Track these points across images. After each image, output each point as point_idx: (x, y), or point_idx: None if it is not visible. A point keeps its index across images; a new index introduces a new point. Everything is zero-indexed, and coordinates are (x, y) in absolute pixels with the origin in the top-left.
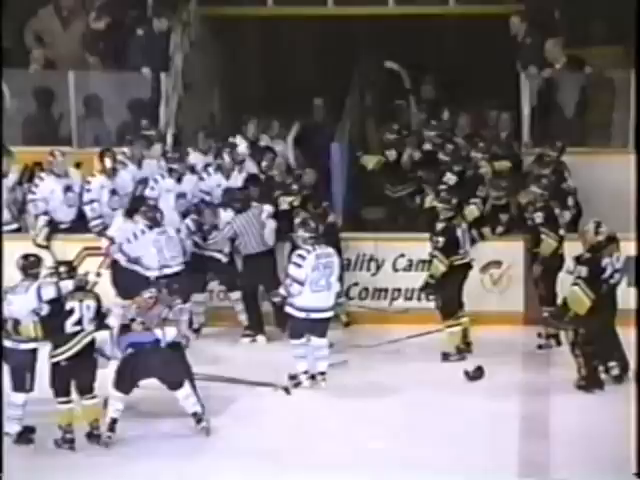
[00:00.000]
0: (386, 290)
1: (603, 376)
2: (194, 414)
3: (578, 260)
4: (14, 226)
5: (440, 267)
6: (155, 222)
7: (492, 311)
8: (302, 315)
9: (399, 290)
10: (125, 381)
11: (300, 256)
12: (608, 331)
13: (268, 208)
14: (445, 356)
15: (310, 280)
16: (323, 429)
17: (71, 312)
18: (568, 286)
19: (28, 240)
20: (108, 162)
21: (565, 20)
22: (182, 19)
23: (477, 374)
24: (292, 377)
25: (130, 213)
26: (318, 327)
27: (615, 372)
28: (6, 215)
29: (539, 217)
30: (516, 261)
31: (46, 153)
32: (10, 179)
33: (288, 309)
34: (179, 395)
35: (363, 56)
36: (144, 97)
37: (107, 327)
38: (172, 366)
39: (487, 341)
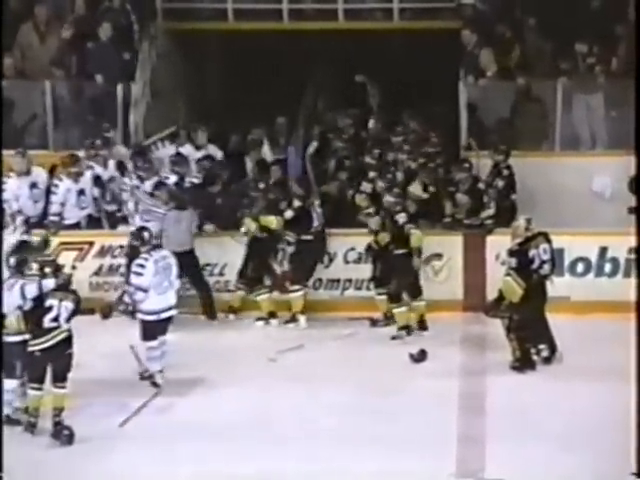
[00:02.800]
0: (338, 281)
1: (535, 358)
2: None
3: (510, 253)
4: None
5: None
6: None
7: (434, 299)
8: (153, 317)
9: (350, 281)
10: None
11: (140, 265)
12: (539, 317)
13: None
14: (373, 322)
15: (154, 285)
16: (277, 408)
17: (50, 309)
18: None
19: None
20: (73, 166)
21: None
22: (149, 33)
23: (421, 357)
24: (147, 377)
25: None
26: (166, 325)
27: (545, 354)
28: None
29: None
30: (455, 253)
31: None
32: None
33: (139, 315)
34: None
35: (316, 67)
36: (108, 104)
37: None
38: None
39: (430, 327)
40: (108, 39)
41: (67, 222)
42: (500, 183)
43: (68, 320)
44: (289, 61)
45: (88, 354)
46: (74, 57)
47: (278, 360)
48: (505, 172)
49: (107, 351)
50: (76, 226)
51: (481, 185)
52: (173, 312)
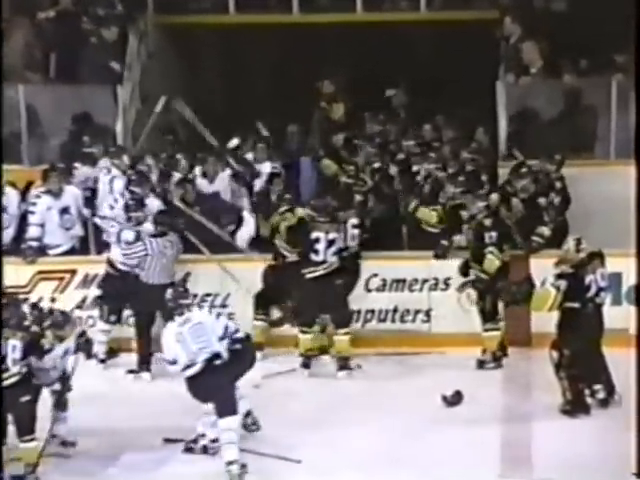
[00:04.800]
0: (358, 312)
1: (589, 400)
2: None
3: (559, 276)
4: None
5: (496, 262)
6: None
7: (470, 332)
8: None
9: (372, 312)
10: None
11: None
12: (594, 352)
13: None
14: (480, 363)
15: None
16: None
17: None
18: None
19: None
20: (54, 181)
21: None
22: (139, 28)
23: (455, 399)
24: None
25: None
26: None
27: (601, 395)
28: None
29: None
30: None
31: None
32: None
33: None
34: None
35: (330, 66)
36: (92, 111)
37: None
38: None
39: (465, 364)
40: (92, 36)
41: (56, 250)
42: (556, 199)
43: (19, 362)
44: (299, 60)
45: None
46: (53, 58)
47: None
48: (558, 185)
49: (91, 396)
50: (69, 253)
51: (542, 200)
52: None
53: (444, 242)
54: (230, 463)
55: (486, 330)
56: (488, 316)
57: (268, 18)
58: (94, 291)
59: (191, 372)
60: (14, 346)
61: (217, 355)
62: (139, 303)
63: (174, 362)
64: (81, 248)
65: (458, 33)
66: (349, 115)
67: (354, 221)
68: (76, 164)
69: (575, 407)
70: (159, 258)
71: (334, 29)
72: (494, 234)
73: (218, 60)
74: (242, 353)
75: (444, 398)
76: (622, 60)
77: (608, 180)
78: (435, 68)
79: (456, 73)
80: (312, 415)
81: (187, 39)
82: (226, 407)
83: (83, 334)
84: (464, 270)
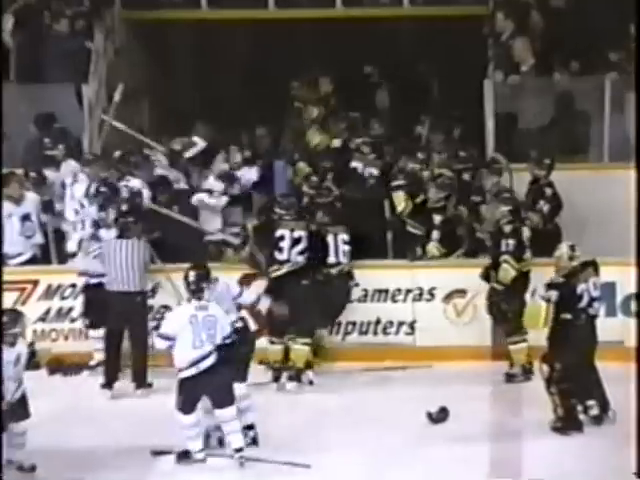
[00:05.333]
0: (339, 324)
1: (581, 416)
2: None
3: (549, 285)
4: None
5: (511, 272)
6: None
7: (456, 345)
8: None
9: (353, 324)
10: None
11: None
12: (587, 366)
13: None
14: (509, 377)
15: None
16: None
17: None
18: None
19: None
20: (15, 187)
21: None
22: (105, 24)
23: (441, 416)
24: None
25: None
26: None
27: (594, 412)
28: None
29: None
30: (482, 289)
31: None
32: None
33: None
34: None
35: (307, 64)
36: (55, 111)
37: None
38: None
39: (451, 379)
40: (55, 31)
41: (16, 259)
42: (545, 207)
43: None
44: (275, 57)
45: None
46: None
47: None
48: (548, 191)
49: (55, 414)
50: (30, 262)
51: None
52: None
53: (418, 248)
54: (239, 450)
55: (512, 343)
56: (511, 328)
57: (242, 14)
58: (58, 303)
59: (205, 365)
60: None
61: (219, 347)
62: (104, 312)
63: (169, 339)
64: (42, 257)
65: (443, 29)
66: (327, 116)
67: (344, 237)
68: (44, 171)
69: (567, 424)
70: (120, 263)
71: (312, 25)
72: (511, 242)
73: (189, 57)
74: (241, 343)
75: (429, 415)
76: (616, 58)
77: (603, 185)
78: (418, 66)
79: (441, 72)
80: (288, 433)
81: (156, 35)
82: (226, 397)
83: (32, 344)
84: (485, 275)
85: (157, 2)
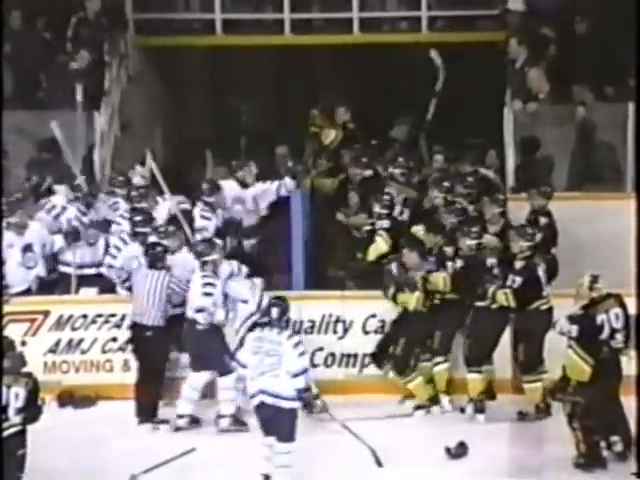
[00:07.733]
0: (355, 356)
1: (605, 453)
2: None
3: (571, 318)
4: None
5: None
6: None
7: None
8: None
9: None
10: None
11: None
12: (611, 401)
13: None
14: (522, 415)
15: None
16: None
17: None
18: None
19: None
20: (17, 216)
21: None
22: (119, 51)
23: (460, 451)
24: None
25: None
26: None
27: (618, 448)
28: None
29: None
30: None
31: None
32: None
33: None
34: None
35: (324, 91)
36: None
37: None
38: None
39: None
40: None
41: (14, 289)
42: (538, 236)
43: (21, 412)
44: (292, 84)
45: (41, 451)
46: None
47: None
48: (543, 220)
49: (64, 448)
50: (27, 292)
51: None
52: None
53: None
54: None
55: (525, 382)
56: (525, 365)
57: (258, 40)
58: (68, 334)
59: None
60: (17, 394)
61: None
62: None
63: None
64: (51, 288)
65: (462, 55)
66: (343, 141)
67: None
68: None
69: (590, 460)
70: (146, 293)
71: (329, 51)
72: (518, 279)
73: (204, 84)
74: None
75: (447, 450)
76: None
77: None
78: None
79: (459, 99)
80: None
81: (170, 62)
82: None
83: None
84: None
85: (171, 28)
